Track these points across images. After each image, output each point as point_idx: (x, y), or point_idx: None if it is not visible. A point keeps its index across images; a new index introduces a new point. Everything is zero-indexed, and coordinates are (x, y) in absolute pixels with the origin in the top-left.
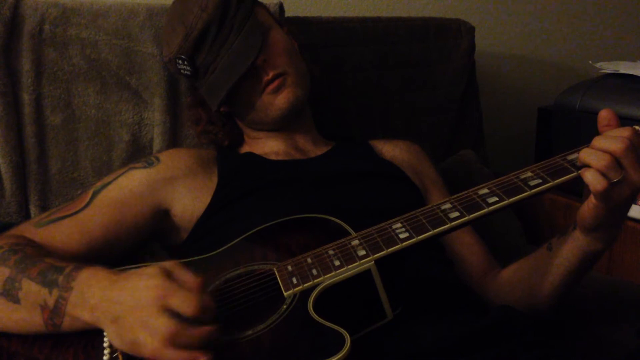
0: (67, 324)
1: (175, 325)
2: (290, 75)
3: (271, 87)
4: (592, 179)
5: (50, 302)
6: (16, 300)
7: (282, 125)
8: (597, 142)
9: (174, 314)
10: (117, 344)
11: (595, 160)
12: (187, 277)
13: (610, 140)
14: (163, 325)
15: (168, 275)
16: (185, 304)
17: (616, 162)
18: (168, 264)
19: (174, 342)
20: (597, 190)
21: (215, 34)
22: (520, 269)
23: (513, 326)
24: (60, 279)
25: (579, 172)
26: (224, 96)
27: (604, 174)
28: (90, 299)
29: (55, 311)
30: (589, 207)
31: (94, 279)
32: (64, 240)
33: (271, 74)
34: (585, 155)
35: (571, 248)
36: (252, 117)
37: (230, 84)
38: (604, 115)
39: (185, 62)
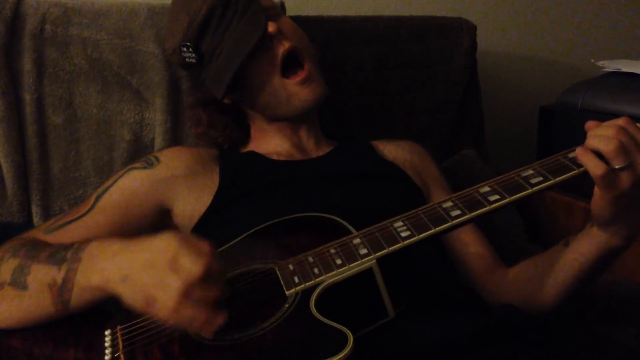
0: (75, 296)
1: (188, 281)
2: (307, 59)
3: (299, 78)
4: (591, 164)
5: (59, 277)
6: (24, 286)
7: (299, 117)
8: (600, 129)
9: (185, 273)
10: (130, 302)
11: (604, 144)
12: (200, 242)
13: (610, 128)
14: (177, 280)
15: (182, 239)
16: (195, 264)
17: (623, 147)
18: (183, 232)
19: (188, 297)
20: (597, 175)
21: (220, 17)
22: (532, 264)
23: (514, 326)
24: (69, 253)
25: (576, 153)
26: (231, 78)
27: (609, 160)
28: (100, 262)
29: (63, 286)
30: (595, 198)
31: (104, 245)
32: None
33: (288, 45)
34: (595, 141)
35: (588, 243)
36: (267, 101)
37: (237, 63)
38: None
39: (191, 49)
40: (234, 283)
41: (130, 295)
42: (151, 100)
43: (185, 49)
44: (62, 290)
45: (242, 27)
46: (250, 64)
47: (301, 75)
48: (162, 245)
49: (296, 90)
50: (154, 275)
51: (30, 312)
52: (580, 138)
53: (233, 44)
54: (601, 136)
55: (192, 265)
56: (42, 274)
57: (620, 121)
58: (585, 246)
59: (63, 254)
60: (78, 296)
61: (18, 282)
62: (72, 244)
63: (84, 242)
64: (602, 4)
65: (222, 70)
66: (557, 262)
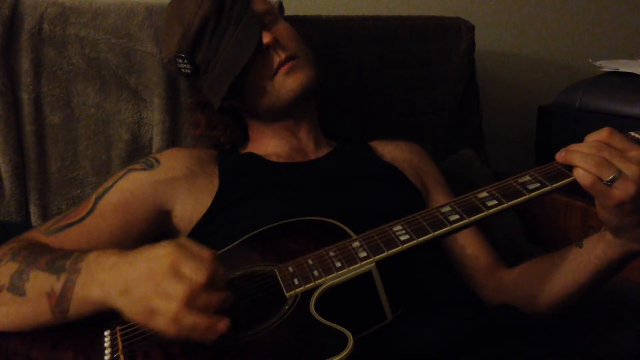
0: (74, 308)
1: (191, 288)
2: (301, 58)
3: (284, 69)
4: (577, 175)
5: (58, 287)
6: (22, 293)
7: (293, 109)
8: (580, 146)
9: (187, 280)
10: (130, 315)
11: (583, 162)
12: (200, 249)
13: (590, 145)
14: (180, 288)
15: (181, 246)
16: (197, 270)
17: (603, 160)
18: (181, 239)
19: (192, 304)
20: (585, 185)
21: (213, 28)
22: (537, 265)
23: (514, 326)
24: (68, 263)
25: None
26: (227, 90)
27: (596, 175)
28: (99, 275)
29: (62, 296)
30: (597, 207)
31: (102, 257)
32: (73, 247)
33: (284, 55)
34: (575, 159)
35: (604, 247)
36: (262, 104)
37: (233, 75)
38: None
39: (185, 61)
40: (234, 285)
41: (130, 308)
42: (149, 99)
43: (180, 60)
44: (60, 300)
45: (237, 37)
46: (246, 73)
47: (288, 65)
48: (160, 253)
49: (282, 81)
50: (153, 285)
51: (28, 318)
52: (578, 138)
53: (228, 55)
54: (581, 153)
55: (194, 271)
56: (40, 282)
57: (601, 134)
58: (601, 249)
59: (62, 263)
60: (77, 307)
61: (16, 288)
62: (71, 252)
63: (83, 252)
64: (600, 4)
65: (218, 81)
66: (569, 263)
